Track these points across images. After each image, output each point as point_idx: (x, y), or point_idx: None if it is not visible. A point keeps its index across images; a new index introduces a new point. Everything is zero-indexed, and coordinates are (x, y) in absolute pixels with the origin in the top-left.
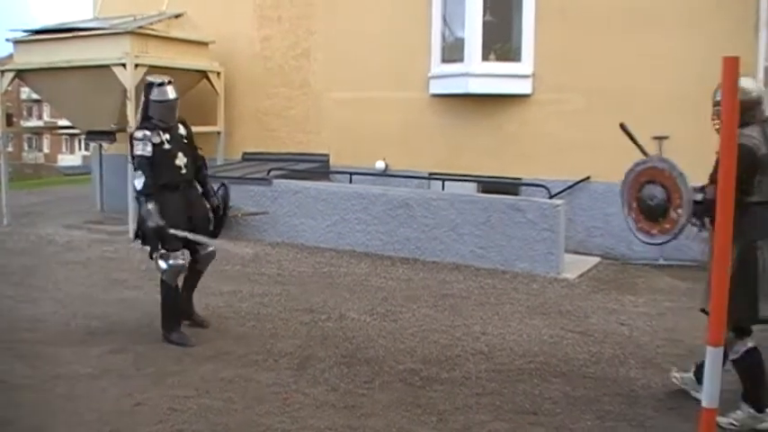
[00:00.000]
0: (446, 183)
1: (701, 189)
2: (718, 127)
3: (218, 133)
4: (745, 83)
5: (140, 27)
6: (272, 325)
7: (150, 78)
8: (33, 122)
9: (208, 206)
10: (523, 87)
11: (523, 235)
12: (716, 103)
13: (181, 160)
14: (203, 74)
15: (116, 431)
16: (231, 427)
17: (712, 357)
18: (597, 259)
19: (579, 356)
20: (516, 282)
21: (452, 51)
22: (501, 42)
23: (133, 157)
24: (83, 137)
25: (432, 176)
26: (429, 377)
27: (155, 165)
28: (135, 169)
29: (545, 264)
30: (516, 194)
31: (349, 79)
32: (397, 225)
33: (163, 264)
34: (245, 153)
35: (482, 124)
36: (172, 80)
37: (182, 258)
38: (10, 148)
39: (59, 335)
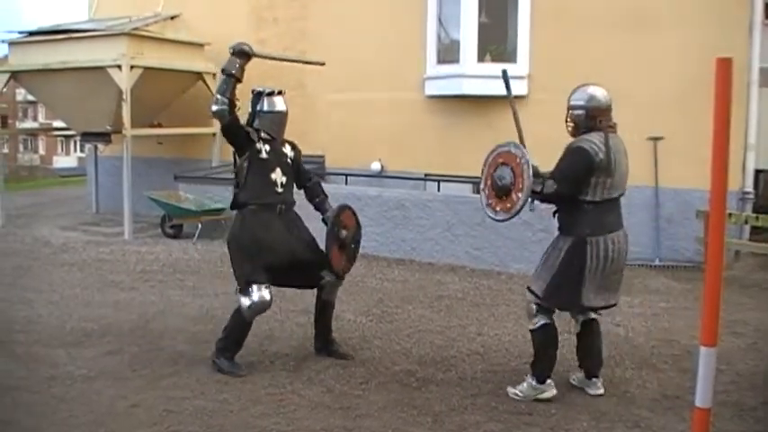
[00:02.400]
0: (441, 184)
1: (543, 181)
2: (570, 129)
3: (214, 135)
4: (596, 91)
5: (136, 28)
6: (267, 326)
7: (259, 88)
8: (29, 124)
9: (308, 232)
10: (519, 88)
11: (519, 236)
12: (570, 107)
13: (278, 176)
14: (199, 75)
15: None
16: (227, 428)
17: (705, 358)
18: None
19: (575, 357)
20: (512, 282)
21: (448, 52)
22: (496, 43)
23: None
24: (78, 138)
25: (427, 177)
26: (424, 378)
27: (248, 176)
28: None
29: None
30: None
31: (344, 81)
32: (393, 226)
33: (245, 300)
34: None
35: (477, 125)
36: (283, 91)
37: (267, 294)
38: (5, 150)
39: (54, 336)
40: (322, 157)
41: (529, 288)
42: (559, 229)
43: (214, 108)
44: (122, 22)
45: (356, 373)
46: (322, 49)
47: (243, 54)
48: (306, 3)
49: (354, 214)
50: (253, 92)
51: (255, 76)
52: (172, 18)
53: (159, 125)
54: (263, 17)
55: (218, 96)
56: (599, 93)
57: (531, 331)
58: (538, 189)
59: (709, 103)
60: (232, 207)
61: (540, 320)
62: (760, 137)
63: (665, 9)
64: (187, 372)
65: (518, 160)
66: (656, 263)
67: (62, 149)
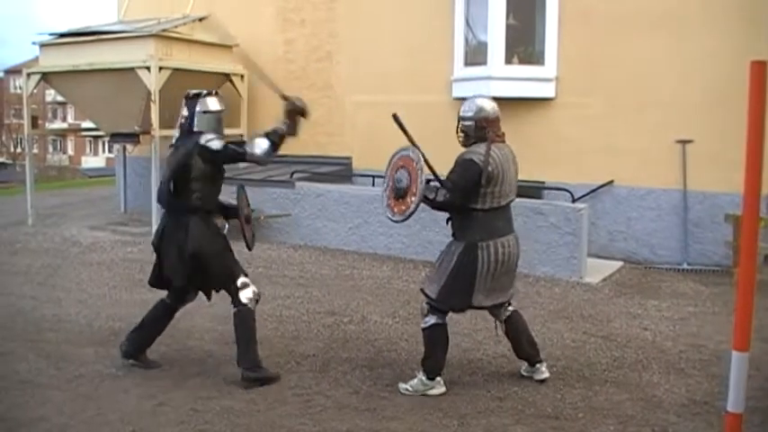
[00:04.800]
0: None
1: (437, 189)
2: (461, 139)
3: (241, 136)
4: (485, 103)
5: (164, 30)
6: (294, 327)
7: (193, 90)
8: (58, 124)
9: None
10: (547, 91)
11: (546, 239)
12: (460, 118)
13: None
14: (227, 77)
15: (138, 431)
16: (253, 428)
17: (737, 363)
18: (620, 263)
19: (601, 361)
20: (538, 286)
21: (475, 54)
22: (524, 45)
23: (211, 151)
24: (107, 139)
25: None
26: (451, 380)
27: (217, 183)
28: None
29: (567, 268)
30: (539, 198)
31: (372, 82)
32: (420, 228)
33: (248, 293)
34: None
35: (505, 128)
36: (217, 92)
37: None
38: (35, 150)
39: (83, 335)
40: (349, 158)
41: (422, 291)
42: (453, 235)
43: (264, 158)
44: (151, 23)
45: (383, 374)
46: (349, 50)
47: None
48: (333, 5)
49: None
50: (189, 96)
51: (283, 76)
52: (200, 20)
53: None
54: (290, 19)
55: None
56: (487, 104)
57: (423, 329)
58: (431, 196)
59: (738, 105)
60: (192, 212)
61: (431, 320)
62: None
63: (695, 11)
64: (214, 371)
65: (414, 165)
66: (684, 266)
67: (90, 150)
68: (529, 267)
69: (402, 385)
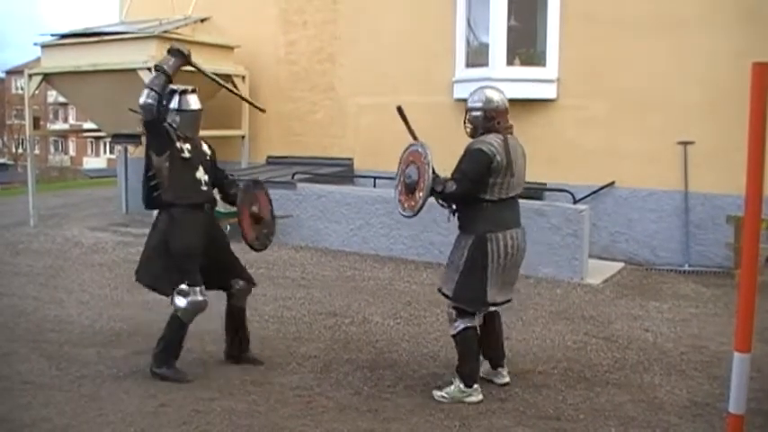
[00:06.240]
0: None
1: (444, 181)
2: (468, 130)
3: (243, 137)
4: (491, 93)
5: (166, 31)
6: (295, 328)
7: (173, 86)
8: (59, 125)
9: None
10: (548, 92)
11: (547, 240)
12: (468, 109)
13: (201, 174)
14: (228, 78)
15: None
16: (255, 429)
17: (739, 364)
18: (621, 265)
19: (603, 362)
20: (540, 287)
21: (477, 56)
22: (525, 47)
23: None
24: (108, 140)
25: None
26: (452, 382)
27: (172, 175)
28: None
29: (569, 269)
30: (540, 199)
31: (374, 84)
32: (421, 229)
33: (181, 301)
34: (269, 157)
35: None
36: (195, 89)
37: (201, 294)
38: (36, 151)
39: (84, 336)
40: (351, 159)
41: (440, 290)
42: (460, 227)
43: (143, 100)
44: (152, 24)
45: (384, 375)
46: (351, 51)
47: (178, 54)
48: (335, 6)
49: (270, 202)
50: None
51: (285, 78)
52: (202, 21)
53: None
54: (292, 20)
55: (149, 90)
56: (496, 95)
57: (453, 336)
58: (439, 189)
59: (740, 107)
60: (151, 206)
61: (461, 325)
62: None
63: (696, 12)
64: (215, 372)
65: (422, 159)
66: (686, 268)
67: (92, 151)
68: (530, 268)
69: (437, 393)
